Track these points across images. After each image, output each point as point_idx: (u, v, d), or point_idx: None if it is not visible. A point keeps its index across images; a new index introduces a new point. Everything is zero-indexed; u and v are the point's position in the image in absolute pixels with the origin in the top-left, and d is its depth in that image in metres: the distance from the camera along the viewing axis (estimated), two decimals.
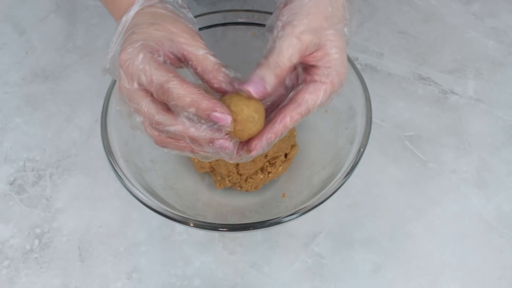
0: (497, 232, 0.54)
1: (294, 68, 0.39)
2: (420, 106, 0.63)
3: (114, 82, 0.49)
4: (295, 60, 0.36)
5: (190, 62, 0.37)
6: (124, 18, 0.39)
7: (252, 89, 0.34)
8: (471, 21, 0.72)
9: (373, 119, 0.48)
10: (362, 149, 0.46)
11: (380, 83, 0.66)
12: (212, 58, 0.37)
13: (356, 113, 0.49)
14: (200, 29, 0.55)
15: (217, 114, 0.33)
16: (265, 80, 0.35)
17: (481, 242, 0.54)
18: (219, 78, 0.37)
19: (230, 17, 0.55)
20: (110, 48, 0.39)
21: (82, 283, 0.51)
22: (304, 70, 0.39)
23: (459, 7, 0.74)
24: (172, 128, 0.35)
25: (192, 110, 0.33)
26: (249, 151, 0.37)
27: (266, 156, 0.52)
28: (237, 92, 0.36)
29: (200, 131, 0.34)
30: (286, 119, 0.37)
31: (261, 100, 0.37)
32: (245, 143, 0.38)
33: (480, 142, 0.61)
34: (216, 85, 0.37)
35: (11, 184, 0.58)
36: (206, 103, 0.33)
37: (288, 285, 0.51)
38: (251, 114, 0.35)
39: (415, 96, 0.64)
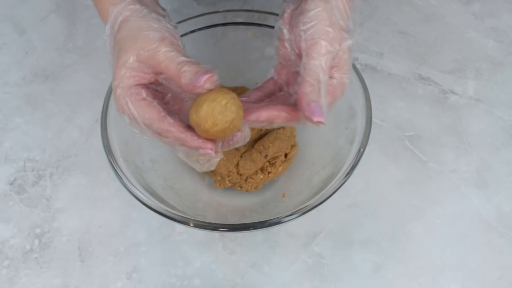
0: (497, 232, 0.54)
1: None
2: (420, 106, 0.63)
3: None
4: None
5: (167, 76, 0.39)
6: (107, 40, 0.40)
7: (322, 119, 0.36)
8: (471, 21, 0.72)
9: (373, 119, 0.48)
10: (362, 149, 0.46)
11: (380, 83, 0.66)
12: (181, 62, 0.37)
13: (356, 113, 0.49)
14: (200, 29, 0.55)
15: (203, 151, 0.37)
16: (324, 108, 0.37)
17: (481, 242, 0.54)
18: (186, 83, 0.37)
19: (230, 17, 0.55)
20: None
21: (82, 283, 0.51)
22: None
23: (459, 7, 0.74)
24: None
25: (183, 148, 0.38)
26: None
27: (266, 156, 0.52)
28: (210, 91, 0.36)
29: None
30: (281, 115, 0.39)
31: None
32: None
33: (480, 142, 0.61)
34: (190, 91, 0.37)
35: (11, 184, 0.58)
36: (192, 143, 0.37)
37: (288, 285, 0.51)
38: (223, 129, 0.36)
39: (415, 96, 0.64)
